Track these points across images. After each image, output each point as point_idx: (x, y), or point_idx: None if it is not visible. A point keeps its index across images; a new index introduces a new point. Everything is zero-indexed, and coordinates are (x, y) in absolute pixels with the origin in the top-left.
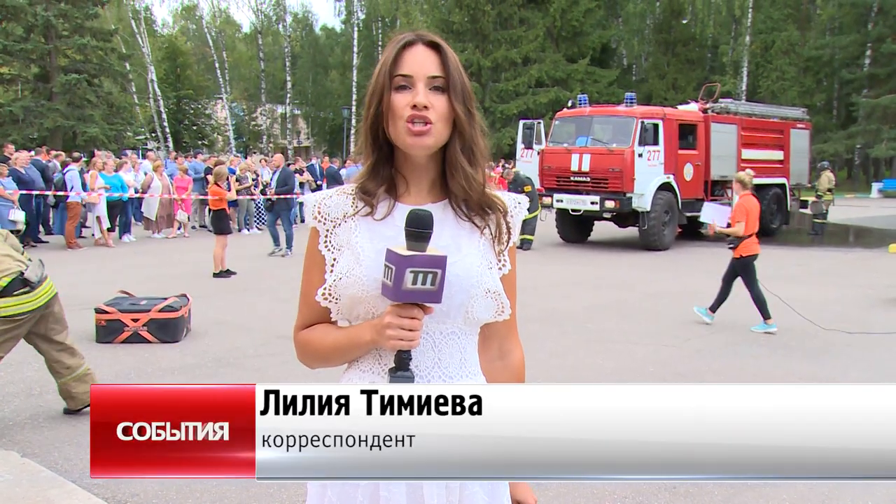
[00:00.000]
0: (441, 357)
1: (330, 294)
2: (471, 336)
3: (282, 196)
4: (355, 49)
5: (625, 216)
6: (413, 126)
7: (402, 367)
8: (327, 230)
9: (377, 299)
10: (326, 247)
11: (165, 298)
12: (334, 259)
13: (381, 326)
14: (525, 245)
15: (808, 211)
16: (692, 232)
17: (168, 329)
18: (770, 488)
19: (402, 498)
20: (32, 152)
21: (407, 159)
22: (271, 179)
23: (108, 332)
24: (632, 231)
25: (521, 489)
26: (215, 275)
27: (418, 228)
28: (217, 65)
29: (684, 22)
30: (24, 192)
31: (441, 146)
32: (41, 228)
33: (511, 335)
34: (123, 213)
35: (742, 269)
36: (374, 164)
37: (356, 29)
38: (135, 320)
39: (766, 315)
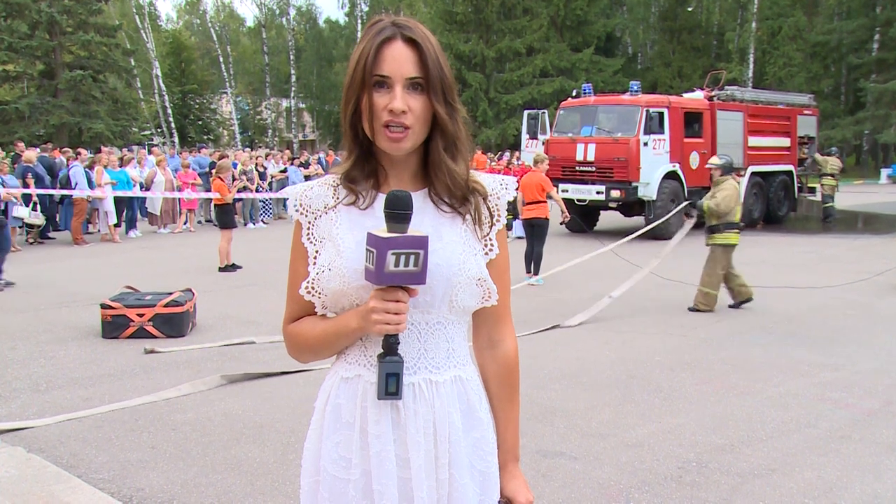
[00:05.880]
0: (427, 348)
1: (313, 288)
2: (458, 325)
3: None
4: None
5: (630, 205)
6: (390, 132)
7: (390, 351)
8: (309, 222)
9: (361, 290)
10: (309, 239)
11: (171, 293)
12: (316, 251)
13: (367, 311)
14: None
15: (816, 198)
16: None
17: (173, 324)
18: (778, 476)
19: (393, 491)
20: (38, 149)
21: (387, 153)
22: None
23: (113, 327)
24: (638, 220)
25: (514, 484)
26: (221, 269)
27: (398, 210)
28: (221, 59)
29: (689, 9)
30: (40, 190)
31: (421, 143)
32: (48, 225)
33: (501, 322)
34: (129, 208)
35: (526, 228)
36: (357, 159)
37: (360, 21)
38: (140, 315)
39: (527, 271)
